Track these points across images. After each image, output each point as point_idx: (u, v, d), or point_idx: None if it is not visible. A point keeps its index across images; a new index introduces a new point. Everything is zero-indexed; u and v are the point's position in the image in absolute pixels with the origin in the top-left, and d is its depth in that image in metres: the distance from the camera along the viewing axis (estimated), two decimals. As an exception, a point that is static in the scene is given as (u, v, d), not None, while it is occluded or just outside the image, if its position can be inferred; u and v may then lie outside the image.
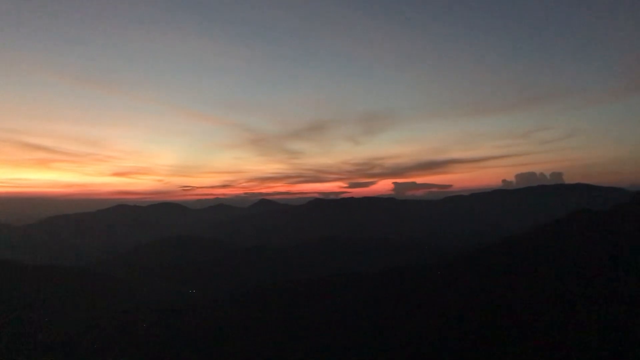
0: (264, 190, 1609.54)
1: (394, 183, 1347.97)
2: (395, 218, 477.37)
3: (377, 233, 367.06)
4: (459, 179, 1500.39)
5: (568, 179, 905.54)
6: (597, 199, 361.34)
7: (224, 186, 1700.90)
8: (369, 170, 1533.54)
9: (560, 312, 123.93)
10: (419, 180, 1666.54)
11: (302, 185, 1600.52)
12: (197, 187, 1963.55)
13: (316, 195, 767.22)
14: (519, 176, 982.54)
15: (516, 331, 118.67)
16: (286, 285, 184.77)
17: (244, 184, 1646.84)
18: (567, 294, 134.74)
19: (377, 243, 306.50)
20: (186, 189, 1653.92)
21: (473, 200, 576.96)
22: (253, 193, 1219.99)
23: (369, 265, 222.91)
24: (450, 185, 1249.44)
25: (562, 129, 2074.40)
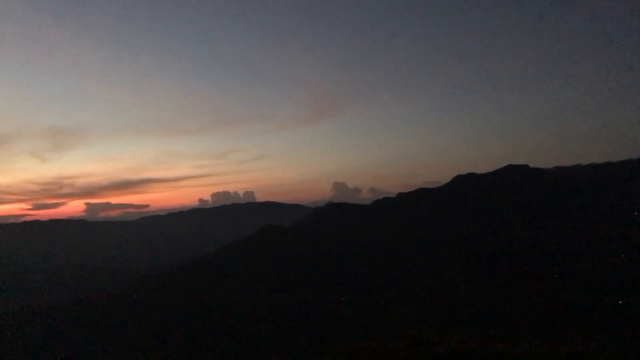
0: None
1: (87, 204, 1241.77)
2: (87, 241, 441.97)
3: (66, 259, 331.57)
4: (157, 198, 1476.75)
5: (259, 198, 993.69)
6: (283, 215, 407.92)
7: None
8: (58, 191, 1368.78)
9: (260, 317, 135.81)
10: (114, 200, 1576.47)
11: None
12: None
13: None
14: (215, 195, 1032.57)
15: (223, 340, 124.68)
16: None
17: None
18: (264, 300, 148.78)
19: (67, 270, 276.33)
20: None
21: (170, 219, 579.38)
22: None
23: (57, 296, 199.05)
24: (147, 205, 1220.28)
25: (254, 151, 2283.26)
